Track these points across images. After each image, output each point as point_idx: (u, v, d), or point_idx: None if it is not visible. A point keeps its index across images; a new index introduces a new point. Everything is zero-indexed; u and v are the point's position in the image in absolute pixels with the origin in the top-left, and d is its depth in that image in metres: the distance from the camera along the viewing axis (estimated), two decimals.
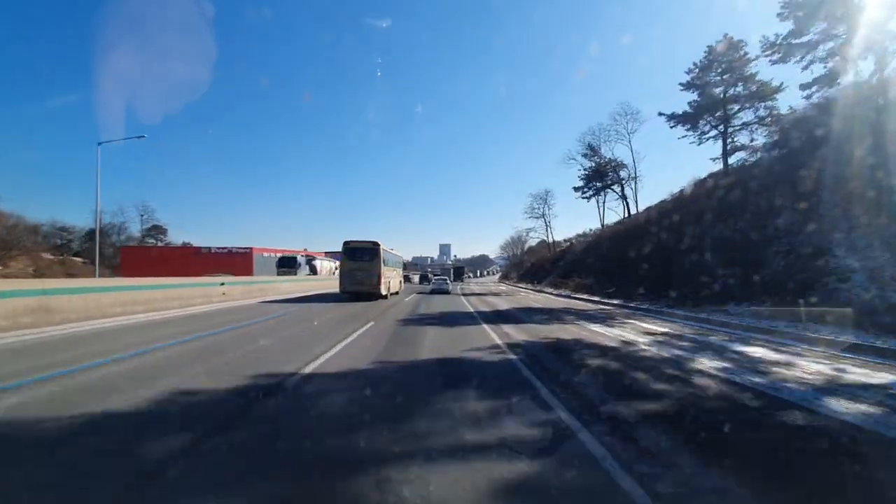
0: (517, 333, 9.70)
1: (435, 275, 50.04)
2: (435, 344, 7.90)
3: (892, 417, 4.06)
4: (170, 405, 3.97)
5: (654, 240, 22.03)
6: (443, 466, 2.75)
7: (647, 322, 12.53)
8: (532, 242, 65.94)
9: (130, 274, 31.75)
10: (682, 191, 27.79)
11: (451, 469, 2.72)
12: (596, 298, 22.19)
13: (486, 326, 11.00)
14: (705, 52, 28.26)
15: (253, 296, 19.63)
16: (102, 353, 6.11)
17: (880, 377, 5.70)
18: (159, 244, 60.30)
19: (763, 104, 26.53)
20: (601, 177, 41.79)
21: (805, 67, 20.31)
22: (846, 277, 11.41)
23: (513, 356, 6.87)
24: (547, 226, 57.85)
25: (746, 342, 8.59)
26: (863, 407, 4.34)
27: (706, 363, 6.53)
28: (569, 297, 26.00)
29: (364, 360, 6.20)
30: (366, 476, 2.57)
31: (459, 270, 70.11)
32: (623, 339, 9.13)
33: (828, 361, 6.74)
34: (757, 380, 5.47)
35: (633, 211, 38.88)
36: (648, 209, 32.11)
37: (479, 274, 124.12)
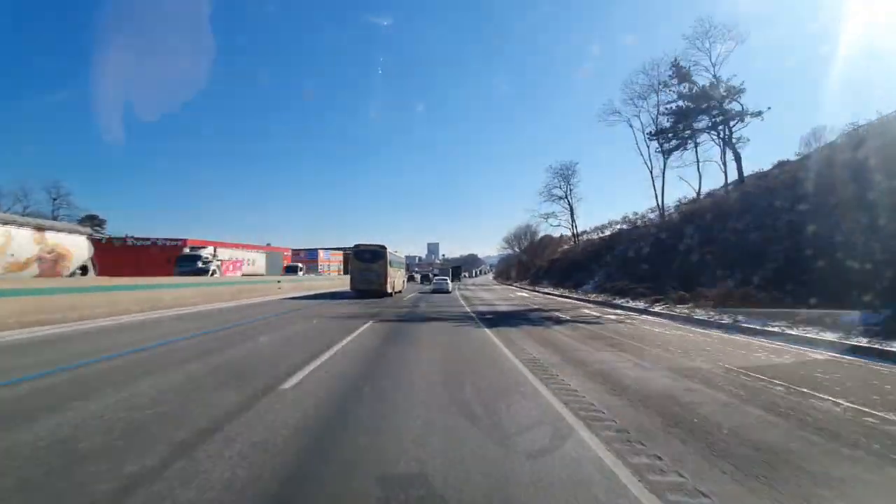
0: None
1: (434, 275, 51.31)
2: None
3: None
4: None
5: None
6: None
7: None
8: (551, 232, 57.25)
9: None
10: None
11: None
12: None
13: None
14: None
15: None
16: None
17: None
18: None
19: None
20: (695, 116, 25.23)
21: None
22: None
23: None
24: (570, 210, 44.65)
25: None
26: None
27: None
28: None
29: None
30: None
31: (457, 270, 70.60)
32: None
33: None
34: None
35: (739, 173, 24.44)
36: (759, 174, 22.98)
37: (473, 274, 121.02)
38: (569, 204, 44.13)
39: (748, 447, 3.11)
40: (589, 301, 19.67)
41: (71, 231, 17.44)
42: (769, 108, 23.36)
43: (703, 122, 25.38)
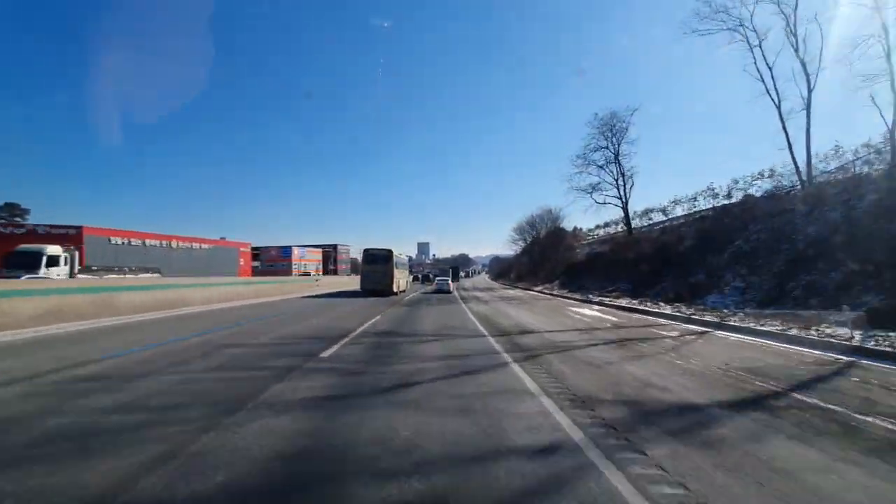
0: None
1: (435, 275, 49.80)
2: None
3: None
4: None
5: None
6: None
7: None
8: (571, 223, 46.47)
9: None
10: None
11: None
12: None
13: None
14: None
15: None
16: None
17: None
18: None
19: None
20: None
21: None
22: None
23: None
24: (621, 181, 29.30)
25: None
26: None
27: None
28: None
29: None
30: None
31: (456, 271, 70.68)
32: None
33: None
34: None
35: None
36: None
37: (468, 274, 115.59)
38: (619, 171, 29.14)
39: None
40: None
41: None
42: None
43: None
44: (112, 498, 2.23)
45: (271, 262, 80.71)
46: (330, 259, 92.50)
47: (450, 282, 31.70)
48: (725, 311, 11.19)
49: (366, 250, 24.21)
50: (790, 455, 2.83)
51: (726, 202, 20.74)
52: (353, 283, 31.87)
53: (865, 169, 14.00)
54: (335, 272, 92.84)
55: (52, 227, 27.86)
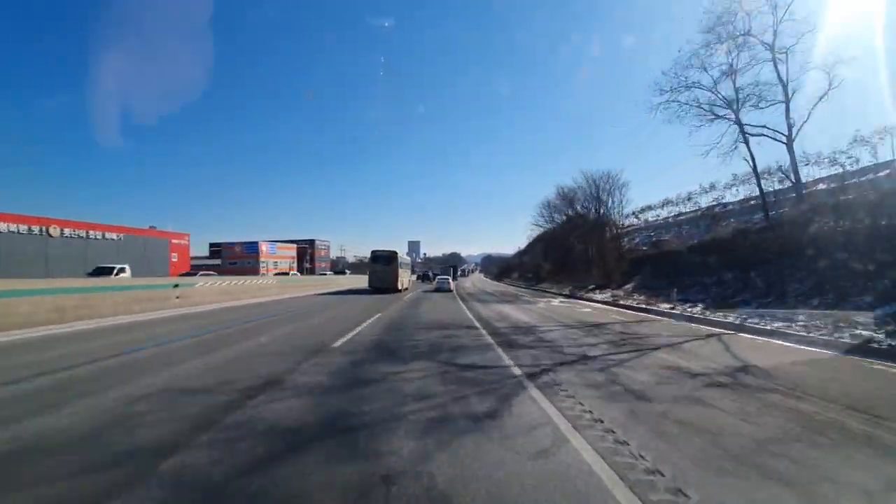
0: None
1: (436, 274, 48.60)
2: None
3: None
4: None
5: None
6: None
7: None
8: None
9: None
10: None
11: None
12: None
13: None
14: None
15: None
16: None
17: None
18: None
19: None
20: None
21: None
22: None
23: None
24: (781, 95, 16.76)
25: None
26: None
27: None
28: None
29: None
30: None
31: (455, 270, 73.92)
32: None
33: None
34: None
35: None
36: None
37: (464, 273, 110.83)
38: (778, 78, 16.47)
39: None
40: None
41: None
42: None
43: None
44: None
45: (234, 259, 68.49)
46: (306, 256, 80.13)
47: (450, 280, 31.00)
48: None
49: (373, 251, 26.65)
50: None
51: None
52: (328, 286, 29.66)
53: None
54: (311, 271, 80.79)
55: None
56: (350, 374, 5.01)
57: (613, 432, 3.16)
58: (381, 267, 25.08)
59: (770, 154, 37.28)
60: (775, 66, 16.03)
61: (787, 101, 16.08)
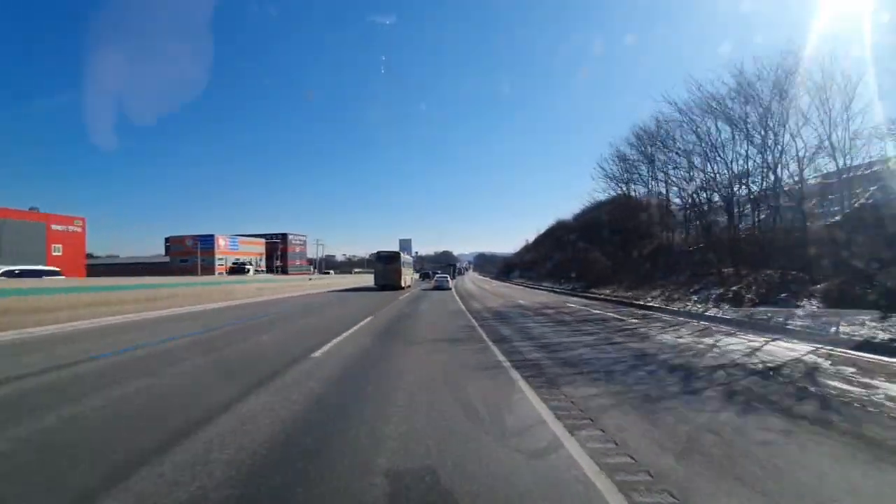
0: None
1: (435, 273, 48.76)
2: None
3: None
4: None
5: None
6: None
7: None
8: None
9: None
10: None
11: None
12: None
13: None
14: None
15: None
16: None
17: None
18: None
19: None
20: None
21: None
22: None
23: None
24: None
25: None
26: None
27: None
28: None
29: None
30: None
31: (454, 268, 75.22)
32: None
33: None
34: None
35: None
36: None
37: (460, 271, 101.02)
38: None
39: None
40: None
41: None
42: None
43: None
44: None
45: (184, 255, 57.61)
46: (276, 253, 69.20)
47: (449, 279, 31.77)
48: None
49: (378, 252, 28.59)
50: None
51: None
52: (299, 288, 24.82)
53: None
54: (283, 270, 70.04)
55: None
56: None
57: None
58: (386, 266, 26.57)
59: None
60: None
61: None
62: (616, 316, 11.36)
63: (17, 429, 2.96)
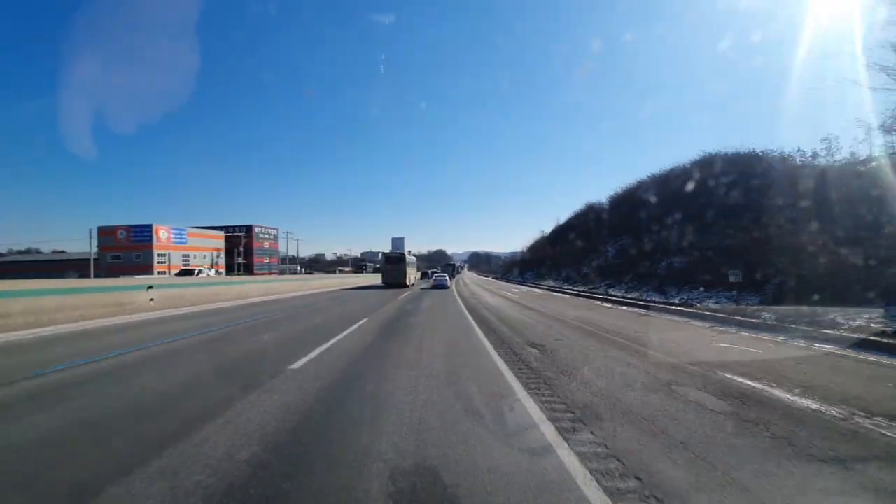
0: None
1: (434, 272, 49.71)
2: None
3: None
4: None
5: None
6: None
7: None
8: None
9: None
10: None
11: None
12: None
13: None
14: None
15: None
16: None
17: None
18: None
19: None
20: None
21: None
22: None
23: None
24: None
25: None
26: None
27: None
28: None
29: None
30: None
31: (453, 267, 72.16)
32: None
33: None
34: None
35: None
36: None
37: (457, 271, 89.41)
38: None
39: None
40: None
41: None
42: None
43: None
44: None
45: (116, 250, 46.47)
46: (238, 249, 57.99)
47: (448, 278, 31.80)
48: None
49: (384, 254, 32.66)
50: None
51: None
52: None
53: None
54: (248, 269, 59.00)
55: None
56: None
57: None
58: (393, 266, 28.65)
59: None
60: None
61: None
62: None
63: None
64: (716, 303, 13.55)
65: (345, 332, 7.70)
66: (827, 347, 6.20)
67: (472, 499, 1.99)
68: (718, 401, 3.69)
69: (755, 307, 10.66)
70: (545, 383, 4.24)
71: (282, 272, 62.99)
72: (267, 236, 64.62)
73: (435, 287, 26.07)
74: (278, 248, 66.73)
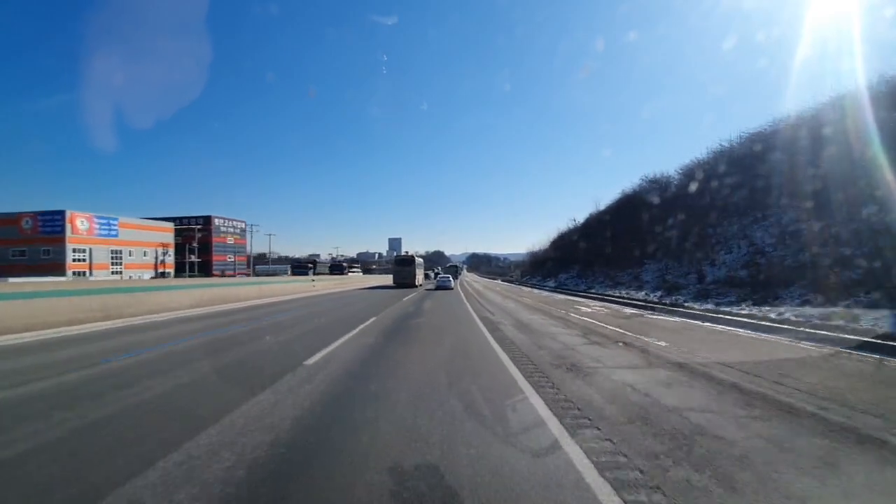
0: None
1: (437, 273, 48.69)
2: None
3: None
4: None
5: None
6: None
7: None
8: None
9: None
10: None
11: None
12: None
13: None
14: None
15: None
16: None
17: None
18: None
19: None
20: None
21: None
22: None
23: None
24: None
25: None
26: None
27: None
28: None
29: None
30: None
31: (455, 269, 75.69)
32: None
33: None
34: None
35: None
36: None
37: (458, 272, 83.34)
38: None
39: None
40: None
41: None
42: None
43: None
44: None
45: (21, 244, 35.76)
46: (191, 245, 47.09)
47: (451, 279, 31.92)
48: None
49: (397, 256, 36.13)
50: None
51: None
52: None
53: None
54: (205, 269, 48.18)
55: None
56: None
57: None
58: (403, 268, 30.63)
59: None
60: None
61: None
62: None
63: None
64: None
65: None
66: None
67: None
68: None
69: None
70: None
71: (258, 273, 52.27)
72: (231, 230, 53.94)
73: (438, 288, 26.98)
74: (246, 245, 56.13)
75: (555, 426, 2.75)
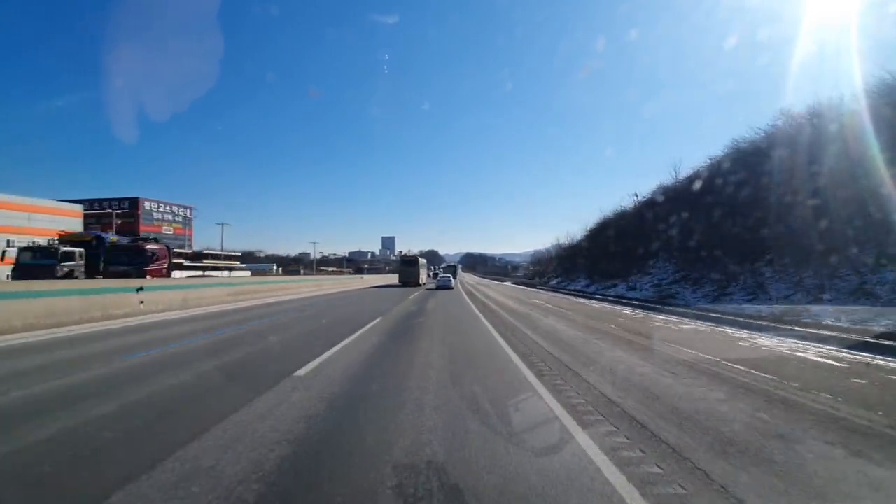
0: None
1: (436, 273, 52.57)
2: None
3: None
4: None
5: None
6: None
7: None
8: None
9: None
10: None
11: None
12: None
13: None
14: None
15: None
16: None
17: None
18: None
19: None
20: None
21: None
22: None
23: None
24: None
25: None
26: None
27: None
28: None
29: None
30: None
31: (453, 269, 76.03)
32: None
33: None
34: None
35: None
36: None
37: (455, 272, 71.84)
38: None
39: None
40: None
41: None
42: None
43: None
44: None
45: None
46: (105, 239, 36.01)
47: (452, 278, 33.78)
48: None
49: (402, 256, 40.91)
50: None
51: None
52: None
53: None
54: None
55: None
56: None
57: None
58: (408, 268, 34.01)
59: None
60: None
61: None
62: None
63: None
64: None
65: None
66: None
67: None
68: None
69: None
70: None
71: (233, 269, 41.37)
72: (169, 217, 42.86)
73: (439, 287, 28.28)
74: (190, 236, 45.03)
75: None
